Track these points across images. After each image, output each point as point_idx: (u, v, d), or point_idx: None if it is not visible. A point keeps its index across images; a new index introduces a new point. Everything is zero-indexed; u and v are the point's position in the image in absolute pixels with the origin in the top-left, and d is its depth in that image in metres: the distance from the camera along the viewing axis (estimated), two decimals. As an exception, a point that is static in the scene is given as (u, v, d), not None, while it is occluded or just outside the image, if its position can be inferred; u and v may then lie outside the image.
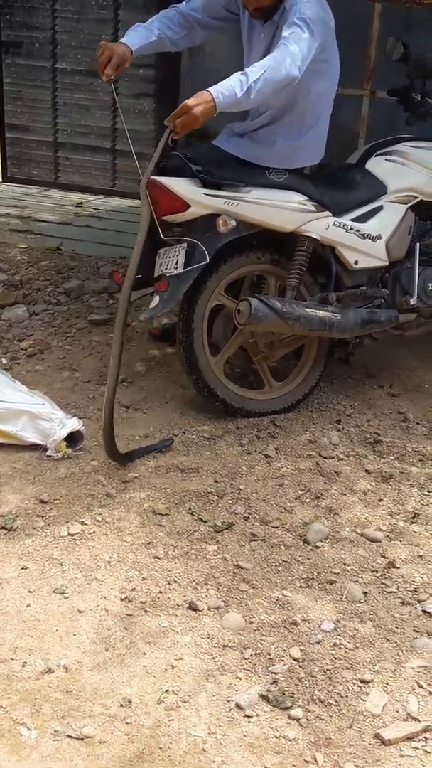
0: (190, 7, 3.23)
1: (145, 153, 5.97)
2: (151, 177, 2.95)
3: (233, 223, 3.02)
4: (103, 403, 2.87)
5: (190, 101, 2.70)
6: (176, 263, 3.05)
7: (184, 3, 3.25)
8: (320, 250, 3.25)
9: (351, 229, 3.25)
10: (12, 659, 2.05)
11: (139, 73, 6.04)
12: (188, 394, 3.45)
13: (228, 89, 2.72)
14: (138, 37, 3.13)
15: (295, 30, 2.86)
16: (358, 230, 3.26)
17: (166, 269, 3.09)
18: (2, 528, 2.56)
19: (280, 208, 3.08)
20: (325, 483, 2.89)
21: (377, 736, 1.89)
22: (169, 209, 3.00)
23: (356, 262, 3.31)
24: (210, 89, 2.72)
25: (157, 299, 3.08)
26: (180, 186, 2.98)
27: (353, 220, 3.27)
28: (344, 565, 2.48)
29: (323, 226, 3.17)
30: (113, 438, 2.89)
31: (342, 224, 3.23)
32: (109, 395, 2.86)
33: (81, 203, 6.28)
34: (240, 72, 2.77)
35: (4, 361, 3.73)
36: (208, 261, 3.01)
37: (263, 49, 3.09)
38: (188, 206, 2.99)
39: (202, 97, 2.70)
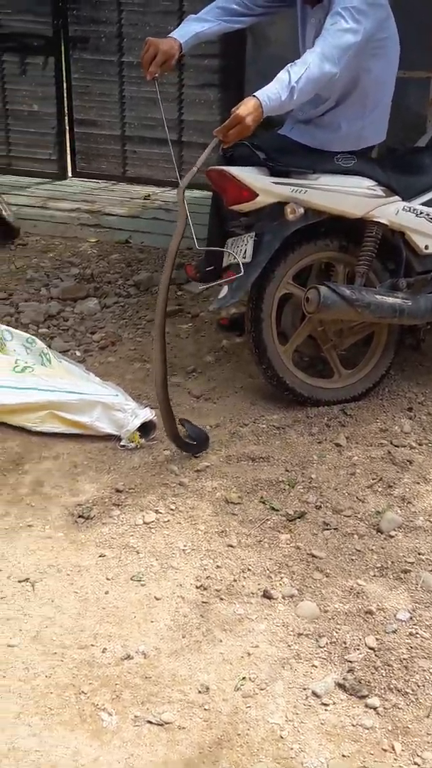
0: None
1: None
2: (219, 167, 2.96)
3: (301, 210, 3.00)
4: (156, 388, 2.90)
5: (241, 111, 2.69)
6: (244, 253, 3.06)
7: None
8: (389, 236, 3.21)
9: (421, 213, 3.20)
10: (92, 645, 2.10)
11: (204, 63, 6.05)
12: (258, 384, 3.46)
13: (273, 93, 2.72)
14: (188, 29, 3.10)
15: (338, 21, 2.82)
16: (428, 214, 3.20)
17: (234, 259, 3.10)
18: (80, 516, 2.61)
19: (349, 194, 3.06)
20: (398, 472, 2.87)
21: (456, 725, 1.88)
22: (237, 199, 3.01)
23: (426, 247, 3.25)
24: (257, 94, 2.71)
25: (225, 289, 3.10)
26: (248, 175, 2.98)
27: (423, 204, 3.21)
28: (419, 554, 2.45)
29: (392, 211, 3.13)
30: (173, 421, 2.90)
31: (412, 209, 3.18)
32: (159, 379, 2.89)
33: (149, 196, 6.33)
34: (284, 70, 2.75)
35: (78, 353, 3.80)
36: (276, 249, 3.01)
37: (314, 34, 3.06)
38: (256, 195, 2.99)
39: (251, 105, 2.69)
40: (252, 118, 2.70)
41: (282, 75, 2.75)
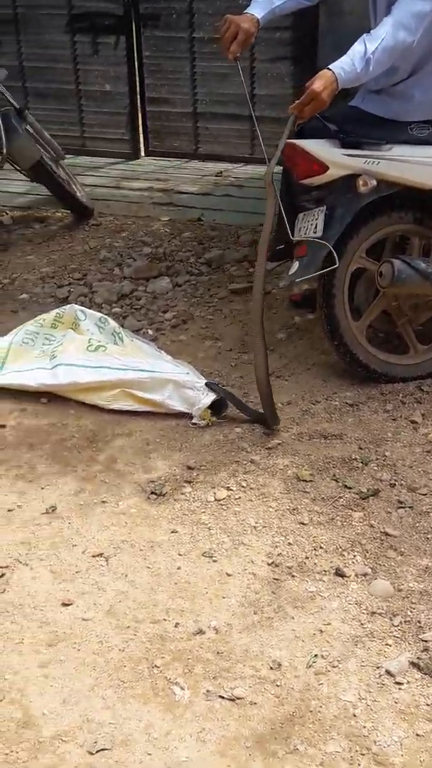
0: None
1: (283, 117, 5.94)
2: (289, 140, 2.91)
3: (374, 182, 2.94)
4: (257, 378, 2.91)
5: (316, 86, 2.65)
6: (315, 227, 3.01)
7: None
8: (467, 207, 3.11)
9: None
10: (165, 620, 2.12)
11: (276, 36, 5.94)
12: (330, 361, 3.41)
13: (348, 65, 2.67)
14: (264, 4, 3.02)
15: None
16: None
17: (305, 234, 3.05)
18: (153, 493, 2.64)
19: (424, 165, 2.97)
20: None
21: None
22: (308, 172, 2.96)
23: None
24: (332, 66, 2.67)
25: (297, 264, 3.06)
26: (318, 148, 2.93)
27: None
28: None
29: (469, 181, 3.03)
30: (273, 405, 2.92)
31: None
32: (261, 366, 2.90)
33: (221, 173, 6.29)
34: (359, 41, 2.69)
35: (150, 332, 3.82)
36: (348, 223, 2.95)
37: (386, 2, 2.96)
38: (327, 168, 2.93)
39: (326, 78, 2.66)
40: (327, 92, 2.66)
41: (357, 46, 2.70)
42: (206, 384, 3.04)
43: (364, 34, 2.73)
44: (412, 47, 2.78)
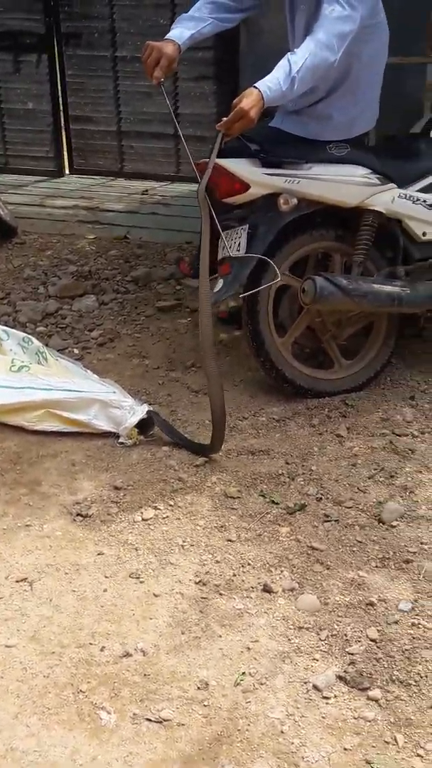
0: None
1: (207, 136, 5.99)
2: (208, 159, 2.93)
3: (294, 201, 2.98)
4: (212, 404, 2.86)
5: (244, 104, 2.69)
6: (239, 245, 3.03)
7: None
8: (386, 224, 3.18)
9: (417, 200, 3.16)
10: (91, 644, 2.08)
11: (198, 56, 6.00)
12: (257, 377, 3.44)
13: (274, 83, 2.71)
14: (185, 30, 3.03)
15: (335, 7, 2.80)
16: (425, 201, 3.17)
17: (228, 252, 3.07)
18: (78, 515, 2.60)
19: (343, 183, 3.03)
20: (400, 461, 2.84)
21: (459, 716, 1.86)
22: (229, 191, 2.98)
23: (424, 234, 3.21)
24: (258, 85, 2.71)
25: (221, 282, 3.08)
26: (239, 167, 2.96)
27: (419, 190, 3.18)
28: (421, 543, 2.43)
29: (388, 199, 3.10)
30: (223, 431, 2.87)
31: (408, 196, 3.14)
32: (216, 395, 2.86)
33: (146, 191, 6.31)
34: (284, 59, 2.73)
35: (76, 351, 3.79)
36: (270, 241, 2.98)
37: (304, 22, 3.04)
38: (248, 187, 2.96)
39: (253, 96, 2.70)
40: (255, 110, 2.70)
41: (282, 64, 2.74)
42: (147, 412, 3.01)
43: (288, 53, 2.77)
44: (333, 66, 2.84)
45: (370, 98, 3.18)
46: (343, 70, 3.02)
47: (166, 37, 3.03)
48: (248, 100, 2.69)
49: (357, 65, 3.04)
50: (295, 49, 2.79)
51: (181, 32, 3.02)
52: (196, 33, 3.06)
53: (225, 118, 2.76)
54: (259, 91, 2.71)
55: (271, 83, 2.72)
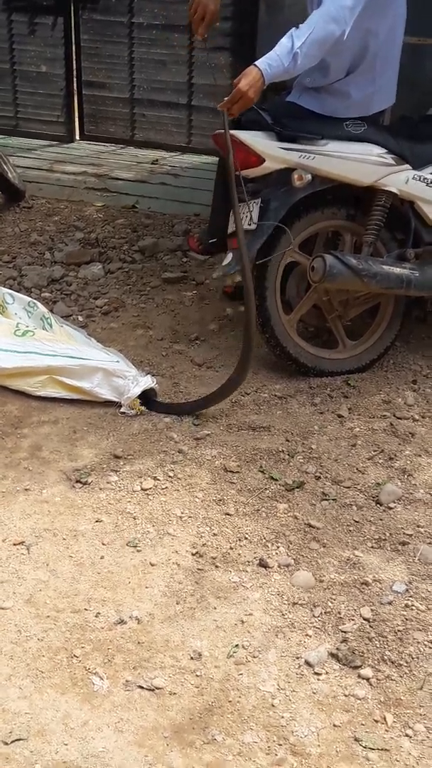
0: None
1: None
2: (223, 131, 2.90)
3: (309, 177, 2.95)
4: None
5: (242, 85, 2.70)
6: (250, 219, 3.01)
7: None
8: (398, 205, 3.15)
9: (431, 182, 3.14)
10: (86, 609, 2.09)
11: (216, 26, 5.92)
12: (261, 353, 3.43)
13: (275, 60, 2.71)
14: None
15: None
16: (439, 184, 3.14)
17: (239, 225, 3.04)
18: (77, 482, 2.60)
19: (358, 162, 3.00)
20: (399, 444, 2.85)
21: (448, 698, 1.87)
22: (244, 164, 2.95)
23: (436, 217, 3.19)
24: (257, 63, 2.71)
25: (230, 256, 3.06)
26: (255, 140, 2.93)
27: (434, 173, 3.16)
28: (417, 526, 2.44)
29: (402, 180, 3.07)
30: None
31: (422, 178, 3.11)
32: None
33: (156, 160, 6.25)
34: (287, 35, 2.72)
35: (80, 318, 3.77)
36: (282, 217, 2.96)
37: None
38: (263, 160, 2.94)
39: (251, 76, 2.71)
40: (254, 90, 2.73)
41: (284, 40, 2.72)
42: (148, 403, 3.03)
43: (293, 29, 2.74)
44: (342, 40, 2.80)
45: (389, 76, 3.14)
46: (360, 48, 2.99)
47: None
48: (246, 80, 2.71)
49: (374, 42, 3.00)
50: (302, 23, 2.76)
51: None
52: None
53: (226, 98, 2.77)
54: (259, 69, 2.71)
55: (272, 60, 2.71)
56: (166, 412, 3.01)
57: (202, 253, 3.61)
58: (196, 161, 6.20)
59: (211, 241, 3.44)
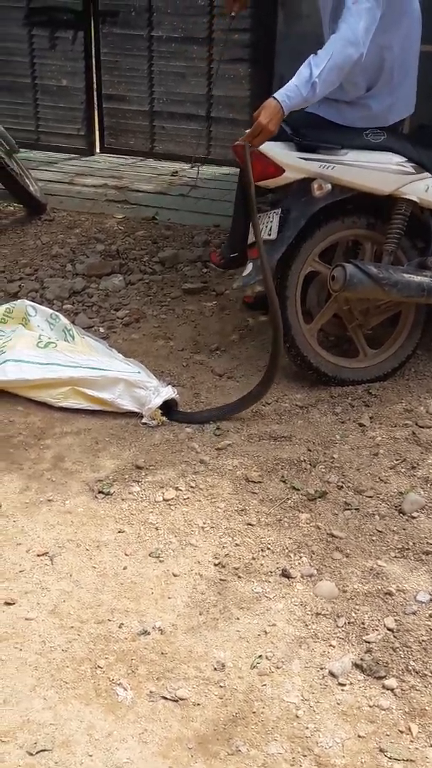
0: None
1: (240, 120, 5.94)
2: (246, 142, 2.92)
3: (329, 186, 2.96)
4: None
5: (262, 118, 2.76)
6: (270, 229, 3.02)
7: None
8: (419, 213, 3.15)
9: (452, 191, 3.13)
10: (109, 620, 2.10)
11: (234, 37, 5.95)
12: (282, 362, 3.42)
13: (293, 91, 2.75)
14: None
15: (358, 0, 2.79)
16: (459, 192, 3.14)
17: (260, 235, 3.05)
18: (100, 492, 2.61)
19: (378, 171, 3.00)
20: (422, 453, 2.83)
21: (474, 709, 1.86)
22: (264, 174, 2.97)
23: (457, 225, 3.19)
24: (276, 95, 2.76)
25: (250, 266, 3.07)
26: (274, 150, 2.94)
27: (454, 181, 3.15)
28: (441, 536, 2.42)
29: (423, 188, 3.07)
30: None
31: (442, 186, 3.11)
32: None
33: (176, 172, 6.28)
34: (305, 64, 2.75)
35: (102, 330, 3.79)
36: (302, 226, 2.97)
37: (330, 4, 3.04)
38: (282, 171, 2.95)
39: (271, 109, 2.75)
40: (274, 122, 2.77)
41: (303, 69, 2.76)
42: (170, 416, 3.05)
43: (311, 56, 2.78)
44: (360, 61, 2.83)
45: (407, 85, 3.15)
46: (377, 64, 3.02)
47: None
48: (266, 113, 2.76)
49: (390, 56, 3.02)
50: (318, 51, 2.79)
51: None
52: None
53: (247, 131, 2.84)
54: (278, 101, 2.75)
55: (290, 91, 2.76)
56: (186, 422, 3.02)
57: (224, 267, 3.62)
58: (215, 173, 6.22)
59: (232, 255, 3.46)
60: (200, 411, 3.08)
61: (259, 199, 3.11)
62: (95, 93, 6.64)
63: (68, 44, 6.55)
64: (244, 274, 3.11)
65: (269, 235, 3.01)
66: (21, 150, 5.41)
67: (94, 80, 6.61)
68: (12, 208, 5.29)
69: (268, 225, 3.04)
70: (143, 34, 6.33)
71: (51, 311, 3.48)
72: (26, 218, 5.15)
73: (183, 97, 6.33)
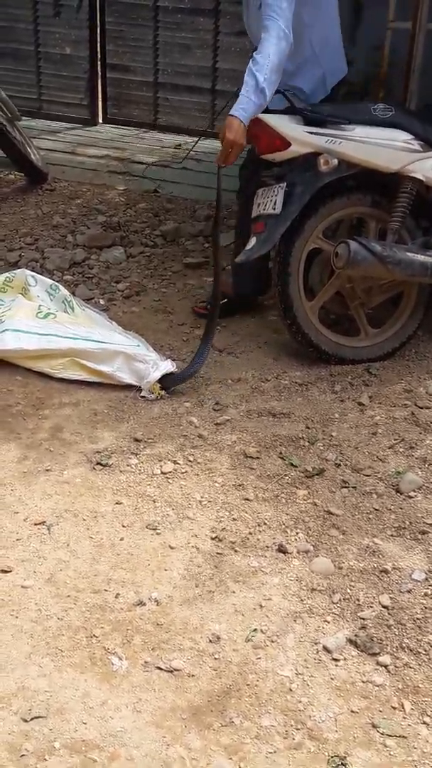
0: None
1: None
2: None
3: (335, 162, 2.93)
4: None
5: (228, 136, 2.89)
6: (274, 204, 3.00)
7: None
8: (424, 192, 3.13)
9: (458, 170, 3.10)
10: (106, 590, 2.10)
11: (240, 9, 5.88)
12: (282, 339, 3.42)
13: (246, 103, 2.89)
14: None
15: None
16: (466, 171, 3.11)
17: (264, 210, 3.03)
18: (98, 464, 2.61)
19: (385, 147, 2.97)
20: (420, 433, 2.83)
21: (467, 687, 1.87)
22: (270, 147, 2.95)
23: (462, 205, 3.17)
24: (233, 113, 2.89)
25: (254, 240, 3.05)
26: (282, 123, 2.91)
27: (461, 160, 3.12)
28: (438, 516, 2.43)
29: (429, 167, 3.04)
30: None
31: (449, 165, 3.08)
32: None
33: (179, 145, 6.23)
34: (248, 73, 2.89)
35: (102, 302, 3.78)
36: (306, 202, 2.95)
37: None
38: (289, 144, 2.92)
39: (233, 126, 2.89)
40: (240, 135, 2.91)
41: (248, 80, 2.89)
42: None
43: (251, 62, 2.88)
44: (291, 49, 2.96)
45: (332, 50, 3.25)
46: (298, 43, 3.08)
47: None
48: (231, 131, 2.90)
49: (308, 32, 3.14)
50: (255, 55, 2.90)
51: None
52: None
53: (218, 155, 2.99)
54: (236, 117, 2.89)
55: (244, 104, 2.89)
56: (180, 382, 3.03)
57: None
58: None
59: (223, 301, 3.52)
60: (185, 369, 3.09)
61: (264, 172, 3.09)
62: (99, 62, 6.57)
63: (72, 12, 6.48)
64: (247, 247, 3.08)
65: (273, 209, 2.99)
66: (23, 118, 5.35)
67: (99, 49, 6.53)
68: (13, 177, 5.25)
69: (273, 199, 3.01)
70: (149, 3, 6.27)
71: (51, 282, 3.46)
72: (27, 187, 5.11)
73: (188, 69, 6.28)
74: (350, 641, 1.99)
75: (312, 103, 2.99)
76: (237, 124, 2.89)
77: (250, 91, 2.88)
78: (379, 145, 2.96)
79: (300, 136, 2.91)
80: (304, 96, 3.24)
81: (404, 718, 1.80)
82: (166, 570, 2.18)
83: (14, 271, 3.49)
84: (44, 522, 2.33)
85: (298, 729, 1.76)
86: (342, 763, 1.69)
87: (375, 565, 2.22)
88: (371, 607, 2.08)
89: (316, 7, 3.16)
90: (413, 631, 2.01)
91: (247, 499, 2.47)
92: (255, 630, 2.00)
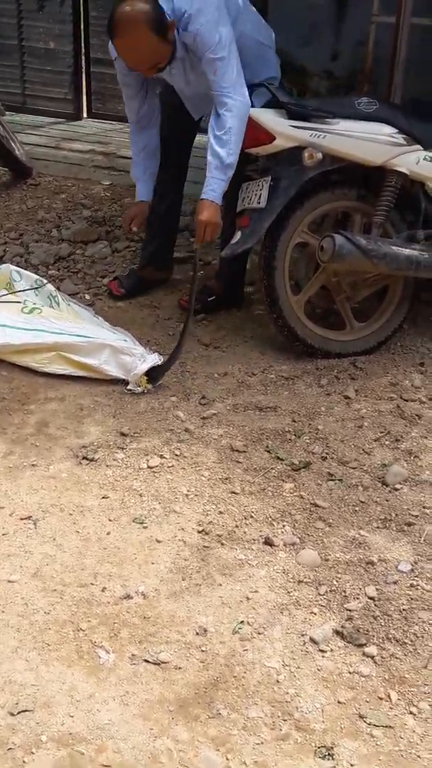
0: (136, 114, 3.34)
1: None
2: None
3: (319, 156, 2.94)
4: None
5: (203, 217, 2.95)
6: (259, 198, 3.00)
7: (132, 117, 3.36)
8: (409, 186, 3.14)
9: (442, 164, 3.11)
10: (92, 584, 2.10)
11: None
12: (268, 333, 3.42)
13: (216, 183, 2.94)
14: (146, 188, 3.40)
15: (218, 65, 2.88)
16: (450, 165, 3.12)
17: (249, 204, 3.04)
18: (84, 458, 2.60)
19: (369, 141, 2.98)
20: (406, 426, 2.84)
21: (452, 677, 1.88)
22: (254, 141, 2.94)
23: (447, 199, 3.18)
24: (205, 196, 2.95)
25: (239, 234, 3.05)
26: (266, 117, 2.91)
27: (445, 154, 3.13)
28: (423, 508, 2.44)
29: (413, 161, 3.05)
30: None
31: (433, 158, 3.10)
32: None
33: (164, 140, 6.21)
34: (210, 152, 2.92)
35: (87, 297, 3.76)
36: (292, 196, 2.95)
37: (183, 72, 3.10)
38: (273, 138, 2.92)
39: (207, 208, 2.95)
40: (215, 215, 2.97)
41: (212, 161, 2.92)
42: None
43: (213, 140, 2.89)
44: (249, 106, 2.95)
45: (261, 61, 3.19)
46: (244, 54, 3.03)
47: (137, 200, 3.43)
48: (206, 213, 2.95)
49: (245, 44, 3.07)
50: (216, 132, 2.90)
51: (143, 192, 3.42)
52: (153, 173, 3.42)
53: (194, 237, 3.08)
54: (209, 200, 2.94)
55: (214, 185, 2.94)
56: (164, 371, 3.04)
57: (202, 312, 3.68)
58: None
59: (210, 299, 3.63)
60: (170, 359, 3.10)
61: (248, 166, 3.09)
62: (83, 57, 6.53)
63: (56, 6, 6.43)
64: (232, 242, 3.08)
65: (258, 203, 2.99)
66: (7, 113, 5.32)
67: (83, 44, 6.50)
68: (-3, 172, 5.22)
69: (258, 193, 3.01)
70: (133, -3, 6.21)
71: (36, 277, 3.44)
72: (11, 182, 5.08)
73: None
74: (337, 632, 2.00)
75: (296, 98, 2.98)
76: (210, 205, 2.95)
77: (218, 172, 2.92)
78: (363, 139, 2.97)
79: (284, 130, 2.92)
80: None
81: (391, 708, 1.81)
82: (152, 563, 2.18)
83: (-1, 266, 3.47)
84: (30, 517, 2.32)
85: (285, 720, 1.77)
86: (329, 754, 1.70)
87: (361, 556, 2.23)
88: (357, 598, 2.09)
89: (242, 22, 3.11)
90: (399, 622, 2.02)
91: (233, 493, 2.48)
92: (242, 622, 2.01)
